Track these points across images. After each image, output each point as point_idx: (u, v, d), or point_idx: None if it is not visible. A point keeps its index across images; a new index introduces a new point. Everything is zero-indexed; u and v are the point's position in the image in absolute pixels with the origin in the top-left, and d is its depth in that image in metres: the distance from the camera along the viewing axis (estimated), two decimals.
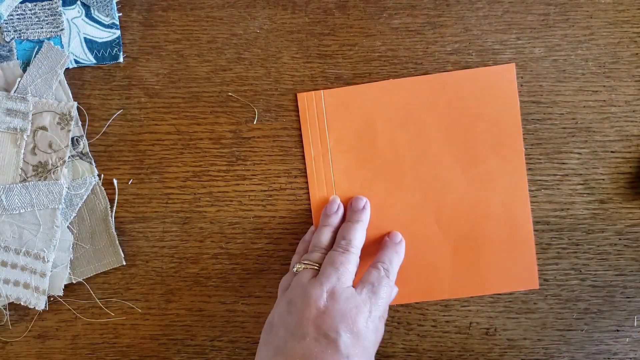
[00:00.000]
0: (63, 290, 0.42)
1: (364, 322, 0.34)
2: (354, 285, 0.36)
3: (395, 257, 0.39)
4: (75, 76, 0.43)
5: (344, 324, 0.33)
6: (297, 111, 0.42)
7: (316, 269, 0.37)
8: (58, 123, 0.42)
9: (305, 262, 0.38)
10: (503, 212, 0.41)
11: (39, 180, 0.41)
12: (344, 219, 0.41)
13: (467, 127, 0.41)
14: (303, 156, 0.42)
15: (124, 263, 0.42)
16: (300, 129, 0.42)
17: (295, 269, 0.38)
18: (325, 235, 0.39)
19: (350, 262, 0.36)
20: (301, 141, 0.42)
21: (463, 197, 0.41)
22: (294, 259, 0.40)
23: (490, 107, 0.41)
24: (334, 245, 0.38)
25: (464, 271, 0.41)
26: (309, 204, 0.42)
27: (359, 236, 0.39)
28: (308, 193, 0.42)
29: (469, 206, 0.41)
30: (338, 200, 0.41)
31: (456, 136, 0.41)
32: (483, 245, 0.41)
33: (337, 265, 0.36)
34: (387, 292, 0.37)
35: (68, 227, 0.42)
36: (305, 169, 0.42)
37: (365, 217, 0.40)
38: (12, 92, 0.41)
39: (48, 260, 0.41)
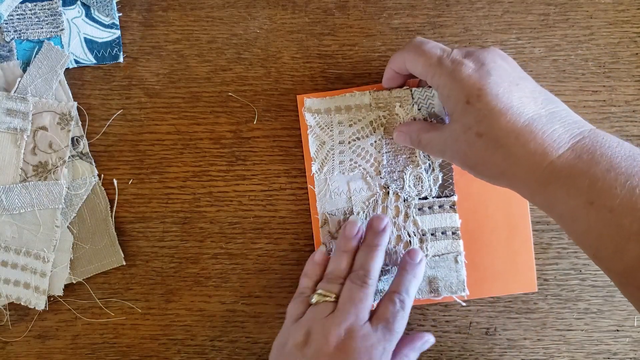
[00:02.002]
0: (63, 290, 0.42)
1: (377, 359, 0.34)
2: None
3: (414, 282, 0.37)
4: (75, 76, 0.43)
5: None
6: (297, 111, 0.42)
7: (333, 301, 0.37)
8: (58, 123, 0.42)
9: (321, 293, 0.37)
10: (502, 215, 0.41)
11: (39, 180, 0.41)
12: None
13: None
14: (303, 156, 0.42)
15: (124, 263, 0.42)
16: (300, 130, 0.42)
17: (313, 301, 0.37)
18: (344, 263, 0.38)
19: (368, 297, 0.36)
20: (301, 141, 0.42)
21: (461, 199, 0.41)
22: (302, 282, 0.40)
23: None
24: (351, 274, 0.37)
25: None
26: (309, 204, 0.42)
27: (377, 265, 0.37)
28: (308, 193, 0.42)
29: (468, 209, 0.41)
30: (359, 222, 0.40)
31: None
32: (482, 248, 0.41)
33: (355, 302, 0.36)
34: (402, 326, 0.36)
35: (68, 227, 0.42)
36: (305, 169, 0.42)
37: (385, 240, 0.38)
38: (12, 92, 0.41)
39: (48, 260, 0.41)
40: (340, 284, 0.37)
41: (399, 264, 0.39)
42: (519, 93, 0.32)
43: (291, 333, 0.36)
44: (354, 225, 0.39)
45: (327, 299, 0.37)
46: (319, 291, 0.37)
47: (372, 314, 0.36)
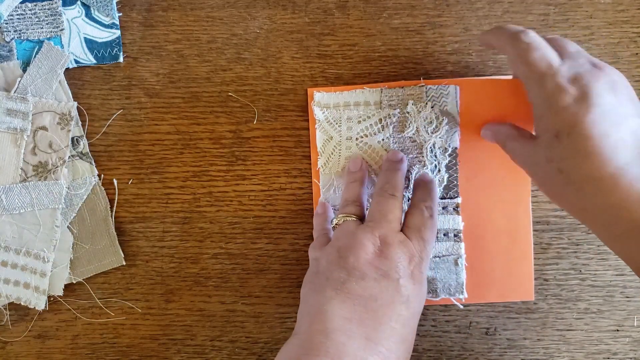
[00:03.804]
0: (63, 290, 0.42)
1: (417, 268, 0.34)
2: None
3: (434, 195, 0.38)
4: (75, 76, 0.43)
5: (402, 267, 0.33)
6: (297, 111, 0.42)
7: (355, 219, 0.36)
8: (58, 123, 0.42)
9: (343, 214, 0.37)
10: (504, 222, 0.41)
11: (39, 180, 0.41)
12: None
13: (473, 134, 0.41)
14: (303, 156, 0.42)
15: (124, 263, 0.42)
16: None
17: (335, 222, 0.37)
18: (357, 189, 0.38)
19: (397, 209, 0.35)
20: (302, 140, 0.42)
21: (465, 202, 0.41)
22: (316, 230, 0.40)
23: (501, 117, 0.40)
24: (377, 190, 0.37)
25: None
26: (309, 204, 0.42)
27: (401, 182, 0.37)
28: (308, 193, 0.42)
29: (471, 213, 0.41)
30: (360, 158, 0.40)
31: (461, 143, 0.41)
32: (482, 252, 0.41)
33: (385, 212, 0.35)
34: (433, 235, 0.36)
35: (68, 227, 0.42)
36: (305, 168, 0.42)
37: (404, 167, 0.39)
38: (12, 92, 0.41)
39: (48, 260, 0.41)
40: (358, 206, 0.37)
41: (414, 185, 0.39)
42: (618, 135, 0.29)
43: (322, 256, 0.35)
44: (357, 160, 0.40)
45: (349, 218, 0.36)
46: (339, 215, 0.37)
47: (402, 226, 0.36)
